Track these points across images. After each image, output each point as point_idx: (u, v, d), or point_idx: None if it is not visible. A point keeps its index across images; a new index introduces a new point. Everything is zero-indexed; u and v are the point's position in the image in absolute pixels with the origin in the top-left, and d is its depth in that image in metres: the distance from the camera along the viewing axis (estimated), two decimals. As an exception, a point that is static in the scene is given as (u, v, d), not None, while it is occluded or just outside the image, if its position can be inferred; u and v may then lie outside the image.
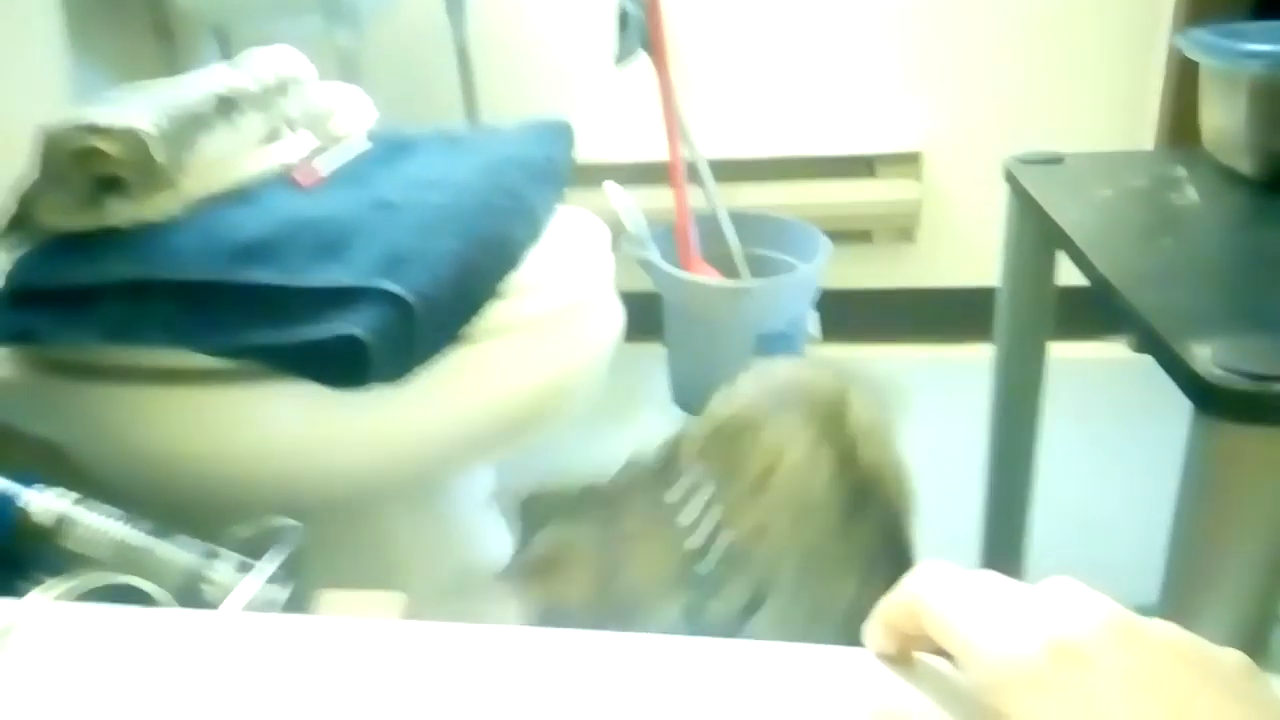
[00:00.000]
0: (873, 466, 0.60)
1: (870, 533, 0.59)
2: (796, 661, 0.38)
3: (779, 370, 0.68)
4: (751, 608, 0.57)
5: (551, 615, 0.58)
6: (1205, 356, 0.49)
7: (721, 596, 0.57)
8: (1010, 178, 0.83)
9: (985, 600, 0.30)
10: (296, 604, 0.71)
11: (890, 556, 0.59)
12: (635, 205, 1.57)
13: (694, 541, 0.58)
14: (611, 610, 0.58)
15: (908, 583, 0.33)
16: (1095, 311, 1.50)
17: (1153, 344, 0.53)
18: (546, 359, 0.91)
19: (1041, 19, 1.65)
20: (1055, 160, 0.84)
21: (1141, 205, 0.75)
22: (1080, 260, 0.65)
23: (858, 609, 0.52)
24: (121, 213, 0.86)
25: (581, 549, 0.60)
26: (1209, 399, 0.49)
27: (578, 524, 0.61)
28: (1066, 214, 0.72)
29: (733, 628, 0.57)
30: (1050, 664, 0.27)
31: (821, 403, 0.61)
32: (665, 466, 0.62)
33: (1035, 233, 0.82)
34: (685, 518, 0.59)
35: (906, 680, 0.35)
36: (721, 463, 0.59)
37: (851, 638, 0.37)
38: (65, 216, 0.87)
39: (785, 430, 0.59)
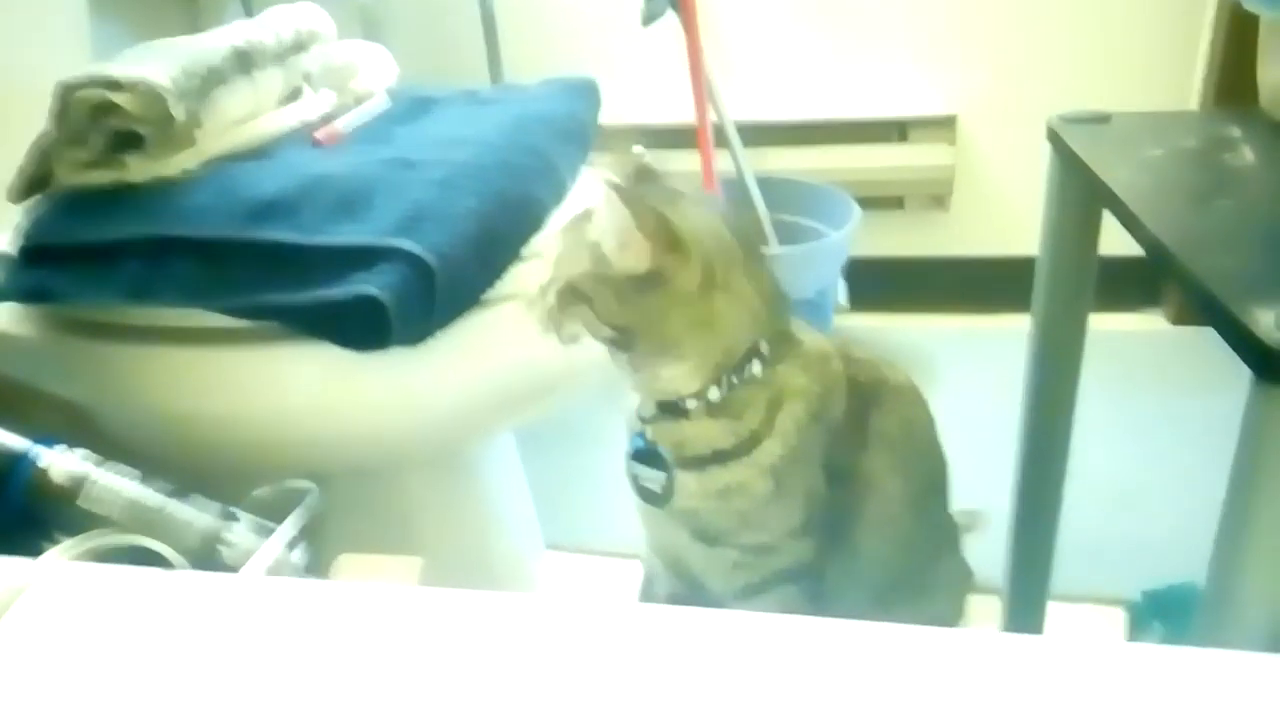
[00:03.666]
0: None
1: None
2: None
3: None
4: None
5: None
6: (1268, 322, 0.47)
7: None
8: (1054, 137, 0.79)
9: None
10: (314, 567, 0.71)
11: None
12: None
13: None
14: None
15: None
16: (1133, 282, 1.47)
17: (1210, 310, 0.50)
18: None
19: (1084, -23, 1.59)
20: (1102, 119, 0.80)
21: (1195, 166, 0.71)
22: (1131, 223, 0.61)
23: None
24: (139, 169, 0.84)
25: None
26: (1271, 366, 0.46)
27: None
28: (1115, 175, 0.68)
29: None
30: None
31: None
32: None
33: (1080, 195, 0.79)
34: None
35: None
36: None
37: None
38: (83, 173, 0.85)
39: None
